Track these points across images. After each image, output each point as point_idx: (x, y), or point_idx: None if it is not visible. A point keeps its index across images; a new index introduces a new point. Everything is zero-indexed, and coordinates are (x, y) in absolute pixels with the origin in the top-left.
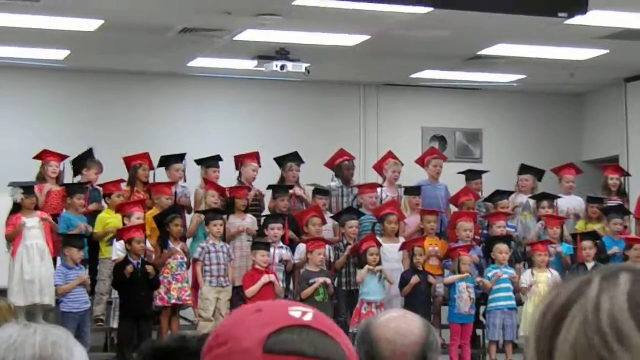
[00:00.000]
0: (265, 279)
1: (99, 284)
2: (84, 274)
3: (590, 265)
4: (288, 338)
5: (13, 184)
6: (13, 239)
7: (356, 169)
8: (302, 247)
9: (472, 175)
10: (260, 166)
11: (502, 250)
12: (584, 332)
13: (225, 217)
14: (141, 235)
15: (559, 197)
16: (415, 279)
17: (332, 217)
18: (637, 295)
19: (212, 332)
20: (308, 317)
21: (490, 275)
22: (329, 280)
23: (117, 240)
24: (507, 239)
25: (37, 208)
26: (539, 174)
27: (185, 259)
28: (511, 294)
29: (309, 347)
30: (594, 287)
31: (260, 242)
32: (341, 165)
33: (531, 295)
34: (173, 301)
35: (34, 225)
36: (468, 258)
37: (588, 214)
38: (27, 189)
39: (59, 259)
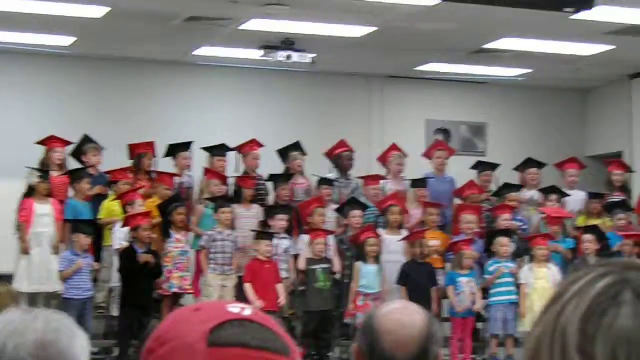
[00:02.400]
0: (257, 305)
1: (101, 272)
2: (84, 261)
3: (591, 260)
4: (230, 331)
5: (32, 169)
6: (24, 227)
7: (360, 160)
8: (305, 239)
9: (483, 168)
10: (261, 146)
11: (503, 244)
12: (545, 331)
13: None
14: (148, 223)
15: (568, 195)
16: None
17: (335, 210)
18: (596, 308)
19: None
20: (247, 312)
21: (491, 269)
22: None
23: (123, 227)
24: (508, 232)
25: (48, 195)
26: (541, 167)
27: (187, 248)
28: (512, 288)
29: (252, 339)
30: (574, 288)
31: (263, 231)
32: (341, 156)
33: (530, 291)
34: (174, 290)
35: (45, 212)
36: (470, 252)
37: (589, 209)
38: (44, 174)
39: (61, 245)
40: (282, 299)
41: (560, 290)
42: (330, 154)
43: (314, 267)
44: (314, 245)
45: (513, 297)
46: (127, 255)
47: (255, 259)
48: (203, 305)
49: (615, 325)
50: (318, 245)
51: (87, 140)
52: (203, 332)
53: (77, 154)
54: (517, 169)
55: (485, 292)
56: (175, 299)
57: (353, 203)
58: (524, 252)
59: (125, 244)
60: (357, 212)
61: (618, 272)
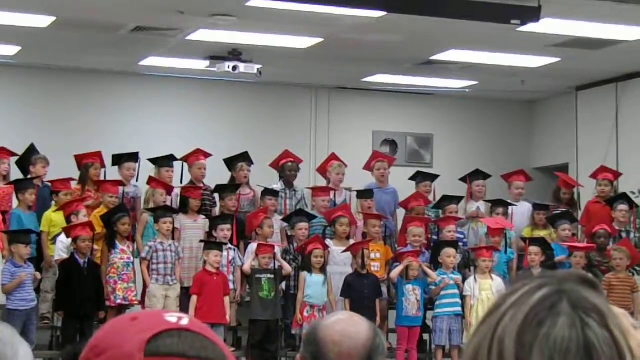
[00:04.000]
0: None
1: (44, 282)
2: (26, 273)
3: (536, 271)
4: (168, 341)
5: None
6: None
7: (306, 171)
8: (252, 247)
9: (421, 178)
10: (207, 156)
11: (449, 254)
12: (482, 342)
13: (175, 215)
14: (88, 234)
15: (514, 205)
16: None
17: (282, 219)
18: (533, 319)
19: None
20: (184, 322)
21: (437, 281)
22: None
23: (65, 238)
24: (455, 243)
25: None
26: (486, 178)
27: (132, 259)
28: (457, 300)
29: (189, 348)
30: (512, 299)
31: (213, 242)
32: (284, 167)
33: (475, 302)
34: (119, 301)
35: None
36: (416, 263)
37: (534, 221)
38: None
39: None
40: (229, 313)
41: (498, 301)
42: (275, 165)
43: (259, 275)
44: (259, 258)
45: (458, 309)
46: (67, 265)
47: (204, 270)
48: (140, 314)
49: (552, 334)
50: (264, 259)
51: (33, 150)
52: (140, 342)
53: (23, 162)
54: (463, 179)
55: (431, 303)
56: (120, 310)
57: (299, 214)
58: (467, 263)
59: (64, 256)
60: (303, 224)
61: (555, 284)
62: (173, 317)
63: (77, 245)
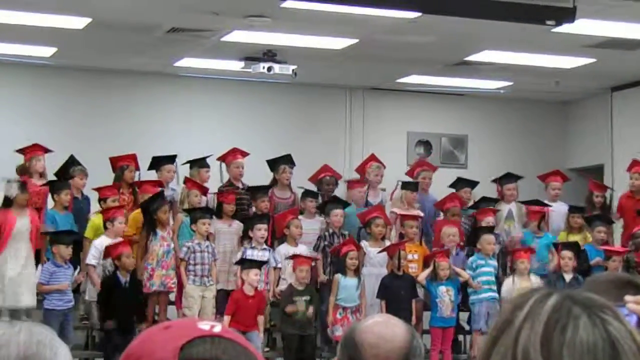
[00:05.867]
0: None
1: (86, 287)
2: (65, 271)
3: (568, 276)
4: (201, 347)
5: (9, 179)
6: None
7: (340, 171)
8: (281, 250)
9: (462, 185)
10: (244, 154)
11: (489, 241)
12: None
13: (212, 217)
14: (129, 250)
15: (549, 205)
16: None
17: (317, 207)
18: (553, 327)
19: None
20: (217, 329)
21: (473, 266)
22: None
23: (105, 255)
24: (492, 229)
25: (27, 205)
26: (518, 180)
27: (172, 246)
28: (493, 286)
29: (222, 354)
30: (523, 312)
31: (252, 260)
32: (322, 181)
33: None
34: (154, 288)
35: (25, 228)
36: (446, 263)
37: (570, 224)
38: (23, 185)
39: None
40: (261, 330)
41: (507, 318)
42: (314, 179)
43: (295, 297)
44: (297, 272)
45: (494, 294)
46: (109, 283)
47: (241, 291)
48: (173, 322)
49: (578, 337)
50: (301, 273)
51: (72, 161)
52: (174, 349)
53: (62, 173)
54: (495, 181)
55: (465, 305)
56: (160, 297)
57: (334, 201)
58: (504, 265)
59: (94, 262)
60: (338, 211)
61: (559, 290)
62: (206, 325)
63: (121, 263)
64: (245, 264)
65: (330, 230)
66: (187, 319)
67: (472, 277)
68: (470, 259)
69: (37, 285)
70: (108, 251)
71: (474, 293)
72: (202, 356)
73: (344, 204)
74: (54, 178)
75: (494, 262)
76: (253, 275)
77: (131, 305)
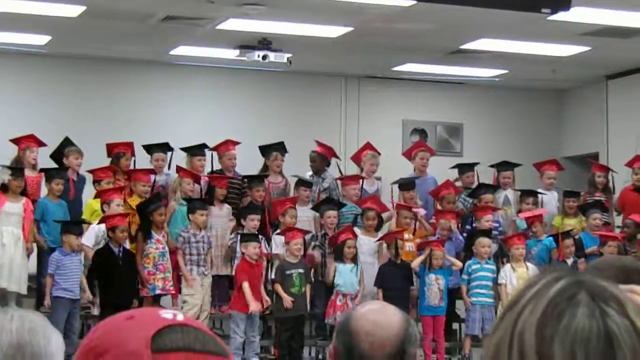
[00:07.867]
0: (253, 307)
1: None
2: (74, 259)
3: (569, 261)
4: (173, 336)
5: (3, 166)
6: None
7: (335, 160)
8: (278, 239)
9: (464, 169)
10: (236, 144)
11: (484, 244)
12: (503, 337)
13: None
14: (125, 224)
15: (544, 194)
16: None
17: (311, 208)
18: (553, 311)
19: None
20: (180, 317)
21: (469, 271)
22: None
23: (98, 224)
24: (489, 232)
25: (23, 194)
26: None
27: (166, 248)
28: (490, 291)
29: (194, 342)
30: (531, 292)
31: (250, 234)
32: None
33: (511, 290)
34: (158, 291)
35: (15, 211)
36: (441, 252)
37: (564, 209)
38: (17, 171)
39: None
40: (267, 300)
41: (517, 296)
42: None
43: (289, 271)
44: (290, 245)
45: (490, 300)
46: (102, 254)
47: (243, 260)
48: (135, 312)
49: (572, 325)
50: (295, 245)
51: (67, 142)
52: (145, 339)
53: (57, 155)
54: (493, 166)
55: (458, 292)
56: (155, 301)
57: (329, 202)
58: (504, 252)
59: (89, 244)
60: (332, 212)
61: (571, 275)
62: (169, 314)
63: (115, 235)
64: (244, 237)
65: (323, 231)
66: (147, 309)
67: (467, 282)
68: (467, 263)
69: (47, 276)
70: (105, 221)
71: (471, 296)
72: (176, 345)
73: (339, 205)
74: (47, 167)
75: (491, 267)
76: (252, 248)
77: (126, 277)
